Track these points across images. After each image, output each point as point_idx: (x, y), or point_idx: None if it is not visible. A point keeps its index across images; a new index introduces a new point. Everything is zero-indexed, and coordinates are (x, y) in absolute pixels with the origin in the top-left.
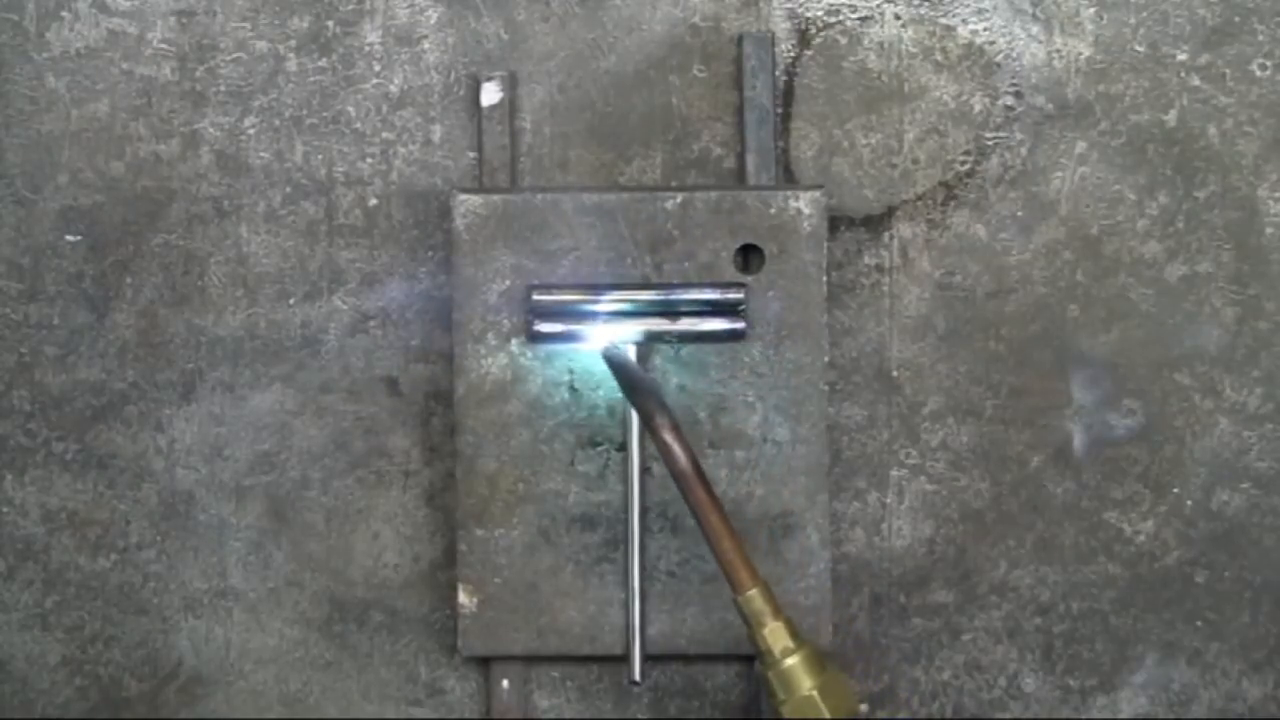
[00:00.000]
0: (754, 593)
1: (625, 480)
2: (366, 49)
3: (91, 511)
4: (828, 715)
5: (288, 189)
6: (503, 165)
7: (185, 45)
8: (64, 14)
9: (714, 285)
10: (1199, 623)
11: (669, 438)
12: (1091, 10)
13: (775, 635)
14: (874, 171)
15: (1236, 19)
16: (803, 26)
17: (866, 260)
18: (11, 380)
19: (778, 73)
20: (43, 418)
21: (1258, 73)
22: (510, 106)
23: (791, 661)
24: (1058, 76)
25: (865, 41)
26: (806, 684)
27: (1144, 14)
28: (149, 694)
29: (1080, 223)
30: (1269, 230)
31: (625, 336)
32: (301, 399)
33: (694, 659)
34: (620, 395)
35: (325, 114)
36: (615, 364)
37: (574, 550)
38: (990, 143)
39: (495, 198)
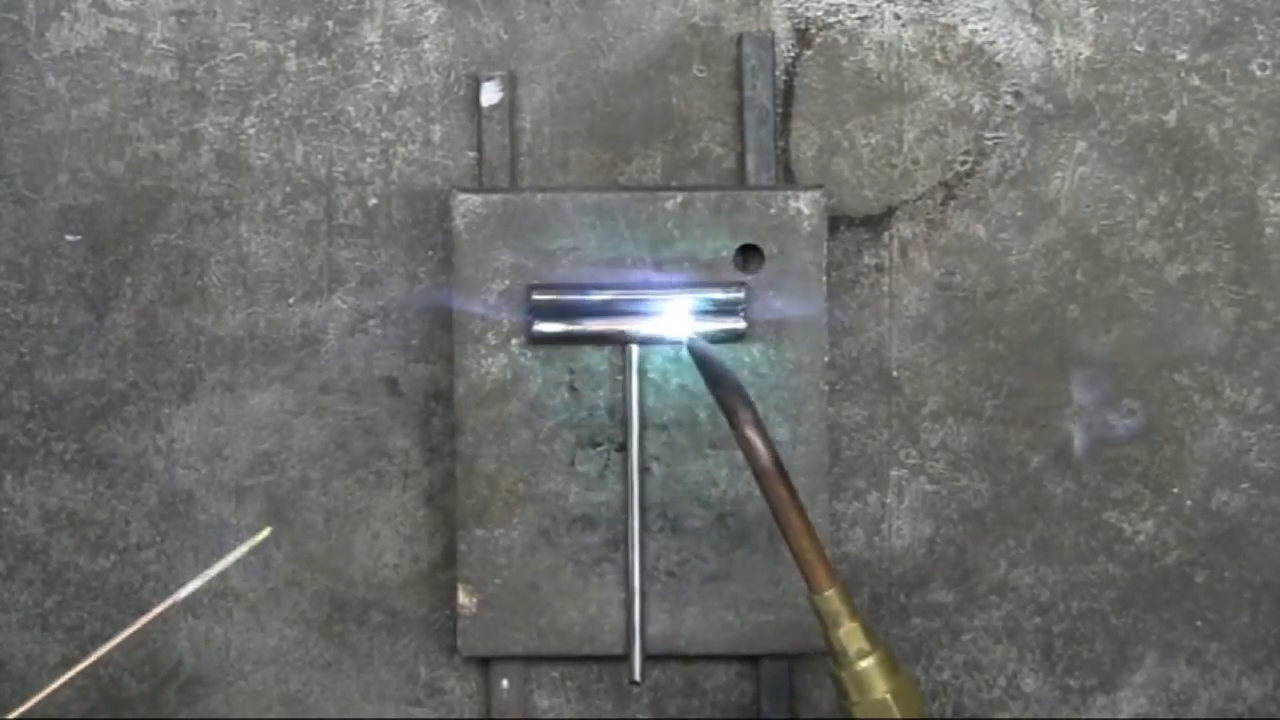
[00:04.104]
0: (831, 593)
1: (625, 480)
2: (366, 49)
3: (91, 511)
4: (900, 718)
5: (288, 189)
6: (503, 165)
7: (185, 45)
8: (64, 14)
9: (714, 285)
10: (1199, 623)
11: (751, 434)
12: (1091, 10)
13: (851, 636)
14: (874, 171)
15: (1236, 19)
16: (803, 26)
17: (866, 260)
18: (11, 380)
19: (778, 73)
20: (43, 418)
21: (1258, 73)
22: (510, 106)
23: (866, 664)
24: (1058, 76)
25: (865, 41)
26: (881, 687)
27: (1144, 14)
28: (149, 694)
29: (1080, 223)
30: (1269, 230)
31: (624, 339)
32: (301, 399)
33: (694, 659)
34: (622, 395)
35: (325, 114)
36: (699, 356)
37: (574, 550)
38: (990, 143)
39: (495, 197)
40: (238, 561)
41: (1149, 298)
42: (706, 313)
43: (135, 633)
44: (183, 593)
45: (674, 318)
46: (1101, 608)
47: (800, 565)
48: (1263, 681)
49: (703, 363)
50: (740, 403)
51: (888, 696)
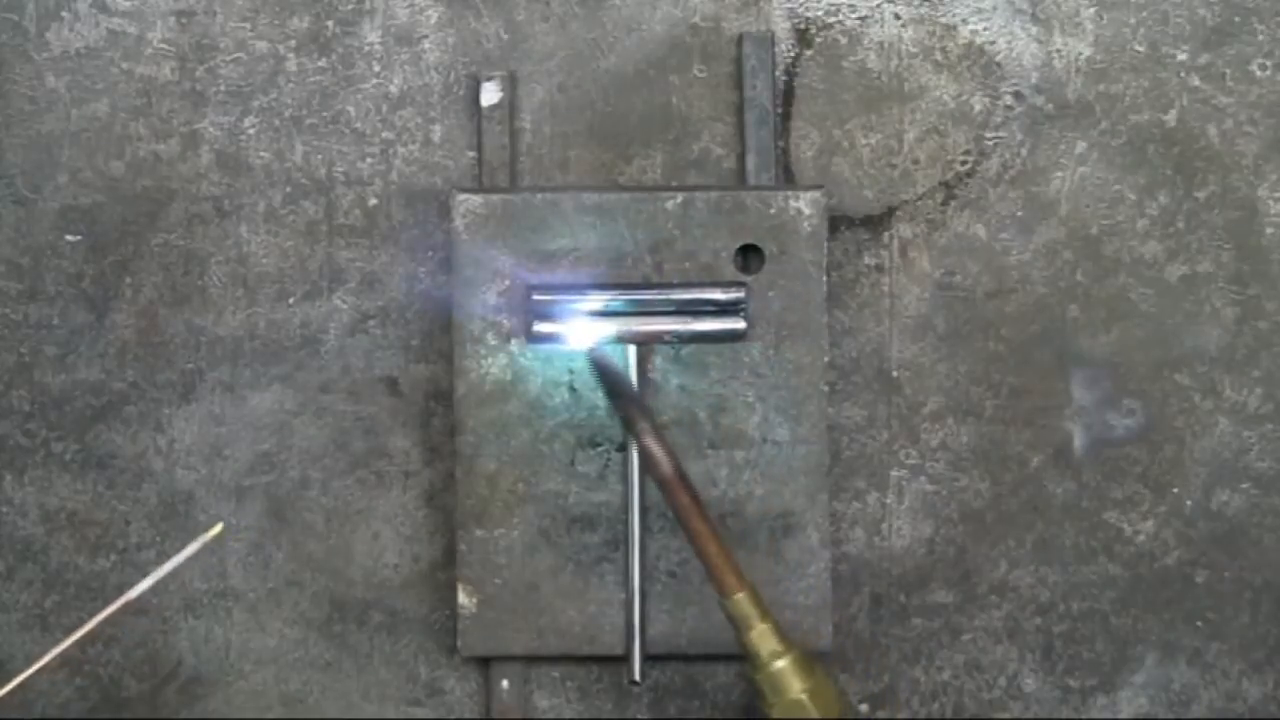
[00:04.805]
0: (741, 596)
1: (625, 480)
2: (366, 49)
3: (91, 511)
4: (817, 718)
5: (288, 189)
6: (502, 165)
7: (185, 45)
8: (64, 14)
9: (714, 285)
10: (1199, 623)
11: (650, 442)
12: (1091, 10)
13: (763, 638)
14: (874, 171)
15: (1236, 19)
16: (803, 26)
17: (866, 260)
18: (11, 380)
19: (778, 73)
20: (43, 418)
21: (1258, 73)
22: (510, 106)
23: (780, 664)
24: (1058, 76)
25: (865, 41)
26: (796, 686)
27: (1144, 14)
28: (149, 694)
29: (1080, 223)
30: (1269, 230)
31: (624, 339)
32: (301, 399)
33: (694, 659)
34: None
35: (325, 114)
36: (598, 367)
37: (574, 550)
38: (990, 143)
39: (495, 198)
40: (239, 561)
41: (1149, 298)
42: (706, 313)
43: (136, 633)
44: (133, 593)
45: (597, 328)
46: (1101, 608)
47: (708, 570)
48: (1263, 681)
49: (601, 373)
50: (638, 413)
51: (803, 696)
